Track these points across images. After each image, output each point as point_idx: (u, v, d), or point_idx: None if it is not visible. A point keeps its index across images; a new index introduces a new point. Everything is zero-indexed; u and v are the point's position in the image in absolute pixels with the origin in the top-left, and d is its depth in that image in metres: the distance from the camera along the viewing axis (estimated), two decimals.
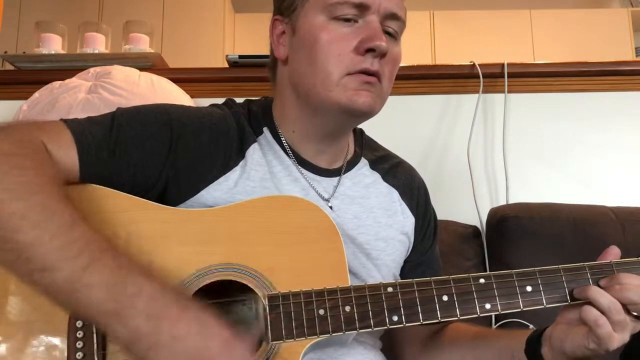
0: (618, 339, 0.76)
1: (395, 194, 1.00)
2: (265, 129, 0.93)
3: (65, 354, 0.71)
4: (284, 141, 0.92)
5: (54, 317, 0.71)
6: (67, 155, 0.77)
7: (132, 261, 0.67)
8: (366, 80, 0.84)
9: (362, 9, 0.84)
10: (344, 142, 0.97)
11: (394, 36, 0.89)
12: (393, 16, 0.86)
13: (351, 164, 0.98)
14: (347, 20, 0.84)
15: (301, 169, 0.92)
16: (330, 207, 0.91)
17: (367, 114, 0.87)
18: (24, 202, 0.65)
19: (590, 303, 0.78)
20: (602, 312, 0.76)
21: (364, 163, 1.00)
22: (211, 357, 0.64)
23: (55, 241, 0.64)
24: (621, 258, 0.82)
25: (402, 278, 0.99)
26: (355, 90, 0.84)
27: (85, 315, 0.66)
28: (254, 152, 0.89)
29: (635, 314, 0.77)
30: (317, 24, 0.85)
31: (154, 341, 0.63)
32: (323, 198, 0.91)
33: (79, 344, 0.71)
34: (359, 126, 1.04)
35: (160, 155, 0.83)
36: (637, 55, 4.15)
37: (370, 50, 0.83)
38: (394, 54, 0.88)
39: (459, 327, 1.02)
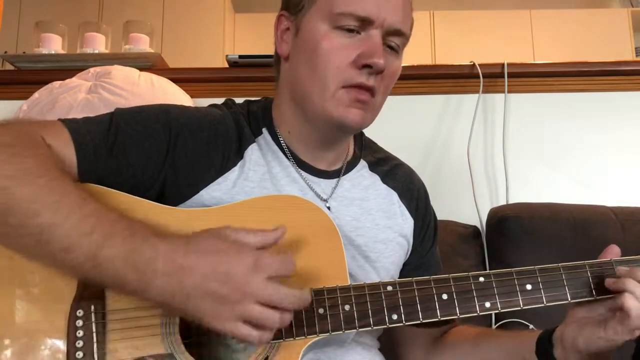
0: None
1: (394, 196, 1.00)
2: (264, 130, 0.93)
3: (65, 352, 0.70)
4: (282, 142, 0.92)
5: (54, 315, 0.71)
6: (66, 154, 0.77)
7: (144, 225, 0.69)
8: (359, 98, 0.84)
9: (366, 22, 0.84)
10: (342, 147, 0.97)
11: (395, 49, 0.88)
12: (396, 32, 0.86)
13: (350, 166, 0.98)
14: (349, 30, 0.84)
15: (299, 170, 0.92)
16: (328, 208, 0.91)
17: (356, 130, 0.89)
18: (31, 186, 0.66)
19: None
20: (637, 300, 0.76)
21: (363, 165, 1.00)
22: (241, 282, 0.66)
23: (70, 220, 0.65)
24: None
25: None
26: (347, 106, 0.85)
27: (114, 287, 0.68)
28: (252, 152, 0.89)
29: None
30: (320, 31, 0.85)
31: (187, 292, 0.65)
32: (321, 199, 0.91)
33: (79, 343, 0.71)
34: None
35: (159, 155, 0.83)
36: (637, 55, 4.15)
37: (367, 66, 0.83)
38: (393, 69, 0.88)
39: (463, 329, 1.02)
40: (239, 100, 0.98)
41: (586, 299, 0.80)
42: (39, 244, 0.65)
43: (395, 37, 0.87)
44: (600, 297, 0.79)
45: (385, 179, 1.00)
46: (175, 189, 0.84)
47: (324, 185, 0.93)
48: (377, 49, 0.83)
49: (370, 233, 0.93)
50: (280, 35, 0.92)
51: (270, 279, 0.67)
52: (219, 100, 0.98)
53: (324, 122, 0.87)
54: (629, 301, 0.76)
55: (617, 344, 0.77)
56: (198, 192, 0.84)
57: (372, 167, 1.01)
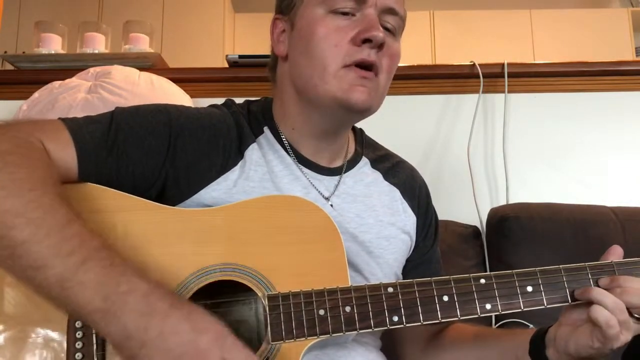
0: (622, 338, 0.76)
1: (396, 192, 1.00)
2: (265, 129, 0.93)
3: (64, 354, 0.70)
4: (284, 140, 0.92)
5: (53, 317, 0.71)
6: (66, 154, 0.77)
7: (125, 260, 0.67)
8: (362, 75, 0.84)
9: (360, 2, 0.85)
10: (343, 139, 0.97)
11: (392, 32, 0.89)
12: (390, 11, 0.87)
13: (352, 163, 0.98)
14: (345, 13, 0.85)
15: (302, 167, 0.92)
16: (331, 206, 0.91)
17: (363, 110, 0.87)
18: (18, 199, 0.65)
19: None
20: (605, 309, 0.76)
21: (365, 162, 1.00)
22: (203, 351, 0.63)
23: (50, 239, 0.64)
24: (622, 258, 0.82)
25: (403, 277, 1.00)
26: (350, 85, 0.84)
27: (77, 313, 0.65)
28: (252, 152, 0.89)
29: (636, 315, 0.77)
30: (315, 17, 0.86)
31: (145, 339, 0.62)
32: (324, 196, 0.91)
33: (78, 344, 0.71)
34: (359, 125, 1.04)
35: (159, 155, 0.83)
36: (637, 55, 4.15)
37: (367, 40, 0.83)
38: (393, 49, 0.88)
39: (460, 327, 1.02)
40: (239, 100, 0.98)
41: (588, 300, 0.80)
42: (12, 258, 0.64)
43: (390, 17, 0.87)
44: (575, 302, 0.79)
45: (387, 176, 1.00)
46: (175, 189, 0.84)
47: (326, 183, 0.93)
48: (373, 23, 0.84)
49: (374, 229, 0.93)
50: (276, 38, 0.93)
51: None
52: (219, 100, 0.98)
53: (330, 106, 0.86)
54: (596, 312, 0.76)
55: (604, 352, 0.77)
56: (198, 191, 0.84)
57: (374, 164, 1.01)
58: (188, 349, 0.63)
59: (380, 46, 0.84)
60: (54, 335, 0.71)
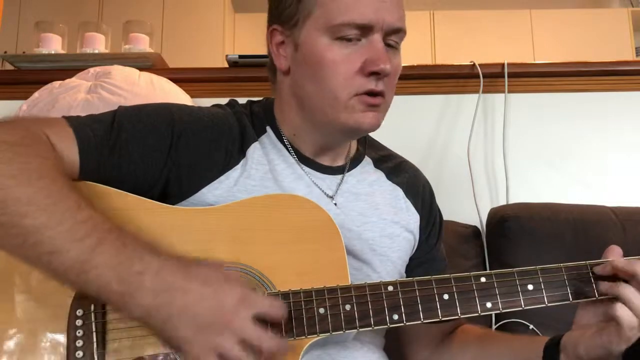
0: (634, 339, 0.76)
1: (399, 191, 1.00)
2: (268, 128, 0.93)
3: (65, 351, 0.71)
4: (286, 140, 0.93)
5: (53, 315, 0.71)
6: (69, 150, 0.77)
7: (137, 239, 0.68)
8: (372, 102, 0.85)
9: (366, 29, 0.83)
10: (346, 145, 0.98)
11: (395, 47, 0.88)
12: (395, 31, 0.86)
13: (355, 162, 0.99)
14: (349, 39, 0.84)
15: (304, 166, 0.92)
16: (335, 204, 0.91)
17: (372, 131, 0.90)
18: (29, 187, 0.66)
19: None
20: (630, 310, 0.76)
21: (367, 161, 1.01)
22: (231, 312, 0.65)
23: (63, 224, 0.65)
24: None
25: (407, 276, 1.00)
26: (362, 112, 0.85)
27: (96, 296, 0.67)
28: (254, 151, 0.90)
29: None
30: (321, 45, 0.84)
31: (168, 313, 0.64)
32: (327, 195, 0.92)
33: (79, 343, 0.71)
34: None
35: (162, 154, 0.83)
36: (637, 55, 4.16)
37: (374, 73, 0.83)
38: (396, 65, 0.88)
39: (469, 329, 1.02)
40: (240, 100, 0.99)
41: (588, 299, 0.80)
42: (25, 245, 0.65)
43: (394, 36, 0.87)
44: (602, 297, 0.79)
45: (390, 176, 1.01)
46: (177, 188, 0.84)
47: (329, 182, 0.93)
48: (381, 54, 0.83)
49: (377, 227, 0.93)
50: (275, 49, 0.91)
51: (255, 319, 0.66)
52: (219, 100, 0.99)
53: (339, 131, 0.88)
54: (619, 310, 0.75)
55: (615, 353, 0.76)
56: (200, 190, 0.84)
57: (377, 163, 1.01)
58: (216, 314, 0.65)
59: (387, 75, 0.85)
60: (55, 333, 0.71)
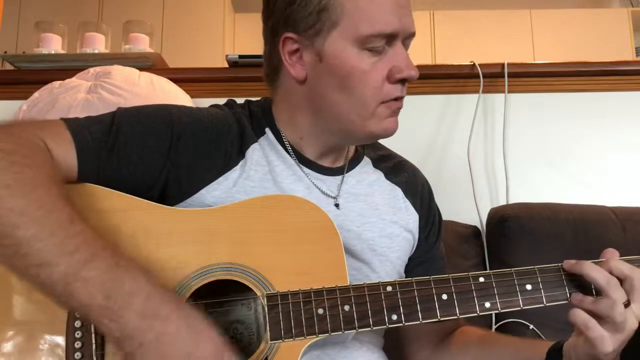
0: (611, 339, 0.75)
1: (398, 191, 1.00)
2: (267, 130, 0.93)
3: (64, 354, 0.70)
4: (286, 142, 0.92)
5: (52, 317, 0.71)
6: (66, 154, 0.77)
7: (130, 260, 0.68)
8: (397, 107, 0.87)
9: (391, 37, 0.85)
10: (347, 146, 0.98)
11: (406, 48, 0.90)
12: (412, 35, 0.88)
13: (354, 163, 0.99)
14: (377, 50, 0.85)
15: (304, 168, 0.92)
16: (337, 206, 0.91)
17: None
18: (23, 198, 0.65)
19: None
20: (601, 289, 0.77)
21: (367, 161, 1.01)
22: (200, 359, 0.64)
23: (54, 237, 0.64)
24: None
25: (406, 275, 1.00)
26: (387, 118, 0.87)
27: (79, 310, 0.66)
28: (253, 152, 0.90)
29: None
30: (350, 55, 0.84)
31: (145, 339, 0.63)
32: (328, 196, 0.92)
33: (77, 344, 0.71)
34: None
35: (161, 155, 0.83)
36: (637, 55, 4.15)
37: (402, 80, 0.85)
38: None
39: (469, 330, 1.02)
40: (239, 100, 0.99)
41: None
42: (16, 256, 0.64)
43: (409, 40, 0.89)
44: (599, 296, 0.79)
45: (389, 175, 1.01)
46: (176, 189, 0.84)
47: (329, 183, 0.93)
48: (407, 61, 0.85)
49: (376, 228, 0.94)
50: (288, 57, 0.88)
51: None
52: (219, 101, 0.98)
53: (363, 138, 0.90)
54: (573, 315, 0.78)
55: (598, 358, 0.76)
56: (199, 191, 0.84)
57: (376, 163, 1.01)
58: (185, 355, 0.64)
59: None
60: (54, 335, 0.71)
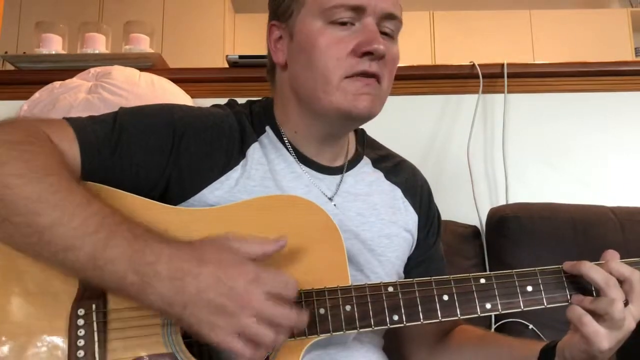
0: (607, 336, 0.75)
1: (398, 191, 1.00)
2: (267, 128, 0.94)
3: (67, 351, 0.71)
4: (286, 140, 0.93)
5: (55, 314, 0.72)
6: (70, 152, 0.77)
7: (148, 229, 0.69)
8: (365, 82, 0.85)
9: (358, 11, 0.84)
10: (344, 140, 0.98)
11: (391, 36, 0.89)
12: (389, 16, 0.87)
13: (353, 163, 0.99)
14: (344, 23, 0.85)
15: (303, 166, 0.92)
16: (334, 205, 0.91)
17: (367, 117, 0.88)
18: (38, 184, 0.67)
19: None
20: (600, 289, 0.77)
21: (366, 162, 1.01)
22: (245, 294, 0.65)
23: (74, 220, 0.65)
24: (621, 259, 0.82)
25: (405, 275, 1.00)
26: (354, 94, 0.85)
27: (114, 289, 0.68)
28: (254, 151, 0.90)
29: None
30: (315, 29, 0.85)
31: (185, 300, 0.65)
32: (326, 195, 0.92)
33: (80, 342, 0.71)
34: (360, 126, 1.05)
35: (163, 155, 0.83)
36: (637, 55, 4.16)
37: (367, 53, 0.84)
38: (393, 54, 0.89)
39: (467, 330, 1.02)
40: (240, 100, 0.99)
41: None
42: (41, 243, 0.66)
43: (388, 22, 0.87)
44: (599, 296, 0.79)
45: (388, 175, 1.01)
46: (178, 188, 0.84)
47: (328, 182, 0.94)
48: (375, 35, 0.84)
49: (375, 228, 0.94)
50: (274, 45, 0.92)
51: (269, 296, 0.67)
52: (220, 101, 0.99)
53: (333, 116, 0.87)
54: (569, 311, 0.78)
55: (593, 356, 0.76)
56: (201, 190, 0.85)
57: (376, 163, 1.01)
58: (230, 296, 0.65)
59: (381, 56, 0.85)
60: (56, 332, 0.71)
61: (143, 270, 0.65)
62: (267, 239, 0.72)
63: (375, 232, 0.93)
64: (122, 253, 0.65)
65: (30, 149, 0.70)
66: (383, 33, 0.87)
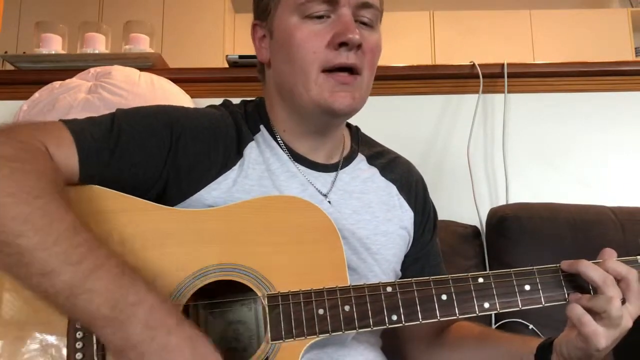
0: (605, 335, 0.75)
1: (393, 188, 1.00)
2: (261, 127, 0.94)
3: (65, 354, 0.71)
4: (279, 139, 0.93)
5: (54, 317, 0.71)
6: (68, 156, 0.77)
7: (134, 271, 0.68)
8: (342, 81, 0.85)
9: (332, 3, 0.85)
10: (337, 137, 0.98)
11: (369, 25, 0.89)
12: (365, 5, 0.87)
13: (348, 160, 0.99)
14: (320, 17, 0.85)
15: (298, 165, 0.92)
16: (329, 202, 0.91)
17: (348, 114, 0.88)
18: (26, 206, 0.65)
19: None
20: (597, 287, 0.77)
21: (361, 158, 1.01)
22: None
23: (58, 246, 0.64)
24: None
25: (402, 272, 1.00)
26: (331, 92, 0.85)
27: (82, 320, 0.66)
28: (251, 150, 0.90)
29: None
30: (291, 25, 0.86)
31: (148, 349, 0.63)
32: (321, 193, 0.92)
33: (79, 345, 0.71)
34: (355, 123, 1.06)
35: (160, 156, 0.83)
36: (637, 55, 4.15)
37: (343, 44, 0.84)
38: (372, 43, 0.88)
39: (464, 325, 1.02)
40: (239, 100, 0.99)
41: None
42: (19, 265, 0.64)
43: (365, 10, 0.87)
44: (596, 294, 0.79)
45: (383, 172, 1.01)
46: (175, 189, 0.84)
47: (323, 180, 0.94)
48: (349, 25, 0.84)
49: (370, 225, 0.94)
50: (258, 44, 0.94)
51: None
52: (219, 101, 0.99)
53: (314, 111, 0.87)
54: (569, 310, 0.78)
55: (592, 354, 0.76)
56: (199, 191, 0.85)
57: (370, 160, 1.01)
58: None
59: (358, 46, 0.85)
60: (55, 336, 0.71)
61: (120, 308, 0.63)
62: None
63: (370, 230, 0.93)
64: (104, 286, 0.64)
65: (22, 167, 0.68)
66: (361, 23, 0.87)
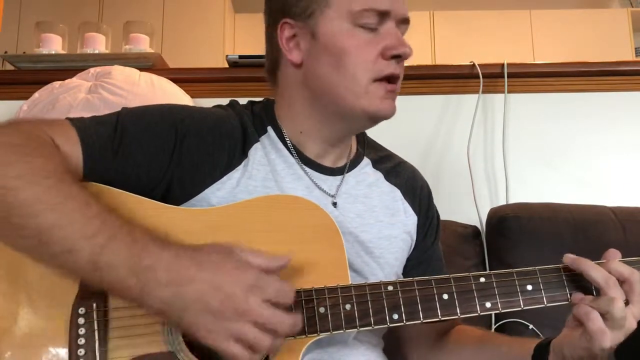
0: (610, 335, 0.75)
1: (397, 193, 1.00)
2: (269, 128, 0.93)
3: (67, 350, 0.71)
4: (287, 140, 0.93)
5: (56, 313, 0.72)
6: (73, 153, 0.77)
7: (147, 233, 0.69)
8: (390, 89, 0.88)
9: (384, 16, 0.87)
10: (349, 142, 0.98)
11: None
12: (405, 20, 0.90)
13: (354, 163, 0.99)
14: (371, 28, 0.87)
15: (305, 167, 0.92)
16: (334, 204, 0.92)
17: (388, 118, 0.91)
18: (37, 186, 0.66)
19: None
20: (600, 288, 0.77)
21: (366, 162, 1.01)
22: (239, 300, 0.66)
23: (73, 223, 0.66)
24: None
25: (404, 276, 1.00)
26: (381, 99, 0.87)
27: (114, 291, 0.69)
28: (256, 152, 0.90)
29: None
30: (343, 31, 0.87)
31: (183, 305, 0.65)
32: (328, 195, 0.92)
33: (81, 341, 0.71)
34: None
35: (165, 155, 0.83)
36: (637, 55, 4.16)
37: (396, 56, 0.87)
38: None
39: (465, 329, 1.02)
40: (240, 100, 0.99)
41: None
42: (40, 245, 0.66)
43: (404, 26, 0.91)
44: (599, 295, 0.79)
45: (388, 177, 1.01)
46: (180, 189, 0.84)
47: (329, 183, 0.94)
48: (400, 38, 0.88)
49: (374, 229, 0.94)
50: (286, 43, 0.91)
51: (267, 302, 0.67)
52: (220, 100, 0.99)
53: (359, 116, 0.89)
54: (577, 308, 0.78)
55: (595, 353, 0.76)
56: (203, 191, 0.85)
57: (376, 164, 1.02)
58: (228, 302, 0.66)
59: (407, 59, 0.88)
60: (57, 331, 0.72)
61: (142, 274, 0.65)
62: (273, 256, 0.72)
63: (374, 234, 0.93)
64: (120, 257, 0.65)
65: (30, 151, 0.70)
66: None
